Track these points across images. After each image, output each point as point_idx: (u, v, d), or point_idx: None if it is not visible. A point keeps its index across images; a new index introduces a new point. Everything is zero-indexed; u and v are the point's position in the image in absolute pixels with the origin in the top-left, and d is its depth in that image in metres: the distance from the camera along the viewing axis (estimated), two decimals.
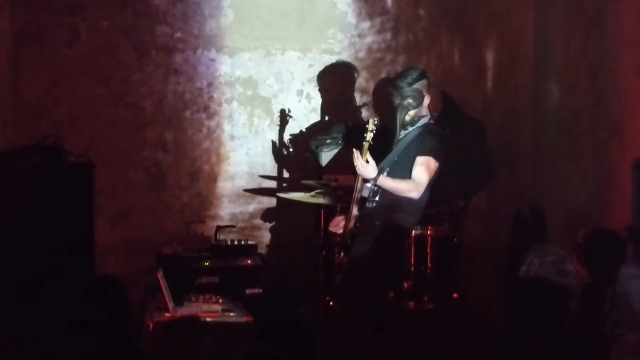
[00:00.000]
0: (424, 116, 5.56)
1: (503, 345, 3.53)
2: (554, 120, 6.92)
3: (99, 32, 6.74)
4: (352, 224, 5.45)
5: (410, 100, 5.48)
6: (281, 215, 7.00)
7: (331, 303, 5.71)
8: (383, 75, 7.07)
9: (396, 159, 5.51)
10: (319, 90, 6.98)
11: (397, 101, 5.51)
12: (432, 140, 5.50)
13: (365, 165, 5.32)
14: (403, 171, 5.46)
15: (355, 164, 5.34)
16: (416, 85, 5.51)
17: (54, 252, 5.47)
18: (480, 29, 7.19)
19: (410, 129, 5.54)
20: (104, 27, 6.75)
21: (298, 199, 6.02)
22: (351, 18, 7.06)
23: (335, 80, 7.01)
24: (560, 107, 6.83)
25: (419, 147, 5.48)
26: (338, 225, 5.60)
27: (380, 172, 5.38)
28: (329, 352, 3.66)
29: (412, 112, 5.51)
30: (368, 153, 5.33)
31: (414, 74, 5.55)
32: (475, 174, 6.43)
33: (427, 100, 5.56)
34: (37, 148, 5.80)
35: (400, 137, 5.55)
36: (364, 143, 5.34)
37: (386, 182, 5.37)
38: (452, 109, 6.51)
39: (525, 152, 7.18)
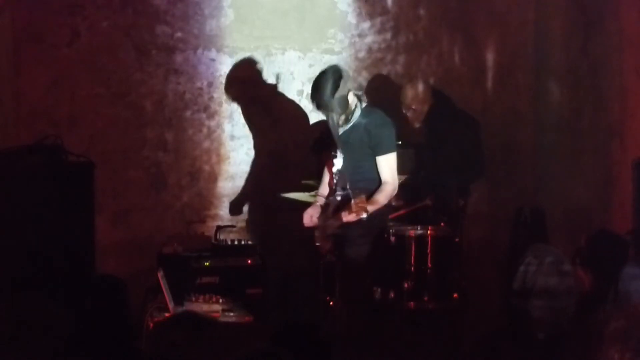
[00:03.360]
0: (355, 107, 5.53)
1: (503, 345, 3.53)
2: (554, 120, 6.93)
3: (99, 32, 6.74)
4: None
5: (338, 110, 5.45)
6: (282, 215, 6.98)
7: (331, 303, 5.71)
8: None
9: (353, 162, 5.53)
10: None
11: (326, 115, 5.48)
12: (383, 132, 5.51)
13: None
14: (364, 166, 5.50)
15: (349, 218, 5.32)
16: (337, 94, 5.42)
17: (54, 252, 5.47)
18: (481, 29, 7.19)
19: (349, 125, 5.52)
20: (104, 27, 6.75)
21: (299, 198, 6.02)
22: (351, 18, 7.06)
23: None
24: (561, 107, 6.84)
25: (376, 147, 5.49)
26: (312, 218, 5.61)
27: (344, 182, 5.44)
28: (329, 352, 3.66)
29: (342, 116, 5.50)
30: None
31: (329, 85, 5.40)
32: (470, 169, 6.44)
33: (351, 96, 5.52)
34: (37, 148, 5.80)
35: (343, 134, 5.52)
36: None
37: (375, 205, 5.39)
38: (445, 104, 6.53)
39: (525, 152, 7.19)
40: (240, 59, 6.89)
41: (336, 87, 5.40)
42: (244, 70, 6.91)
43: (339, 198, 5.51)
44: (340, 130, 5.53)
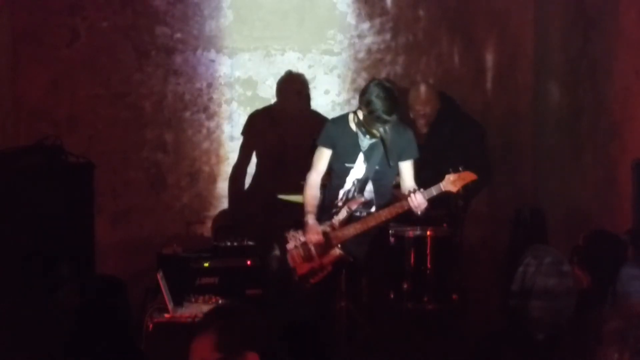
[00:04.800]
0: None
1: (502, 346, 3.54)
2: (554, 121, 6.93)
3: (99, 32, 6.75)
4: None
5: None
6: (281, 215, 6.98)
7: (331, 304, 5.71)
8: (383, 76, 7.06)
9: (378, 167, 5.58)
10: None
11: (384, 129, 5.44)
12: (411, 140, 5.62)
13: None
14: (386, 172, 5.57)
15: (419, 206, 5.33)
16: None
17: (54, 253, 5.47)
18: (480, 30, 7.19)
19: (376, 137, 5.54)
20: (104, 28, 6.76)
21: (298, 201, 6.01)
22: (351, 19, 7.05)
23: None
24: (560, 107, 6.84)
25: (403, 154, 5.56)
26: (318, 233, 5.55)
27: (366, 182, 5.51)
28: (330, 352, 3.67)
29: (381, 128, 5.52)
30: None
31: (396, 103, 5.44)
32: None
33: None
34: (37, 148, 5.80)
35: (370, 144, 5.55)
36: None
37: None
38: (452, 108, 6.52)
39: (525, 152, 7.19)
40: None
41: (396, 106, 5.46)
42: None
43: (362, 199, 5.53)
44: (367, 141, 5.55)
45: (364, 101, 5.42)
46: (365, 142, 5.53)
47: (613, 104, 5.97)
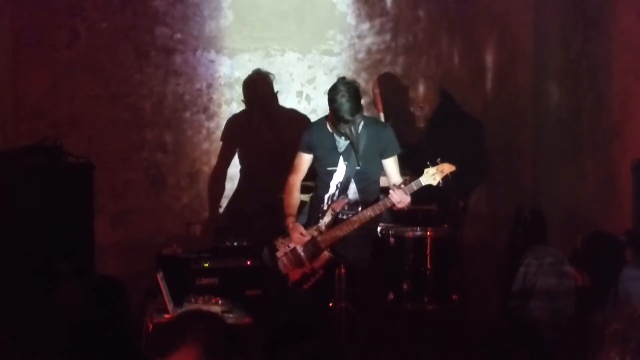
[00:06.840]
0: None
1: (502, 346, 3.54)
2: (554, 121, 6.94)
3: (98, 33, 6.75)
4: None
5: (359, 121, 5.42)
6: (281, 216, 6.98)
7: (331, 304, 5.71)
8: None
9: (359, 167, 5.55)
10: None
11: (349, 128, 5.39)
12: (391, 136, 5.56)
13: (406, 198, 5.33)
14: (371, 171, 5.53)
15: (401, 202, 5.31)
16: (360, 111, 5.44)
17: (53, 253, 5.47)
18: (480, 30, 7.19)
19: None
20: (103, 28, 6.75)
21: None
22: (351, 19, 7.06)
23: None
24: (560, 108, 6.84)
25: (385, 150, 5.51)
26: (302, 235, 5.54)
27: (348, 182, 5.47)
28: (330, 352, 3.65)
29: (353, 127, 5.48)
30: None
31: (360, 99, 5.41)
32: (471, 172, 6.44)
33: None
34: (37, 148, 5.80)
35: (347, 145, 5.51)
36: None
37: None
38: (451, 104, 6.53)
39: (525, 152, 7.19)
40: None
41: (359, 106, 5.42)
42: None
43: (346, 201, 5.51)
44: (343, 142, 5.52)
45: (329, 99, 5.43)
46: (341, 143, 5.52)
47: (613, 104, 5.98)
